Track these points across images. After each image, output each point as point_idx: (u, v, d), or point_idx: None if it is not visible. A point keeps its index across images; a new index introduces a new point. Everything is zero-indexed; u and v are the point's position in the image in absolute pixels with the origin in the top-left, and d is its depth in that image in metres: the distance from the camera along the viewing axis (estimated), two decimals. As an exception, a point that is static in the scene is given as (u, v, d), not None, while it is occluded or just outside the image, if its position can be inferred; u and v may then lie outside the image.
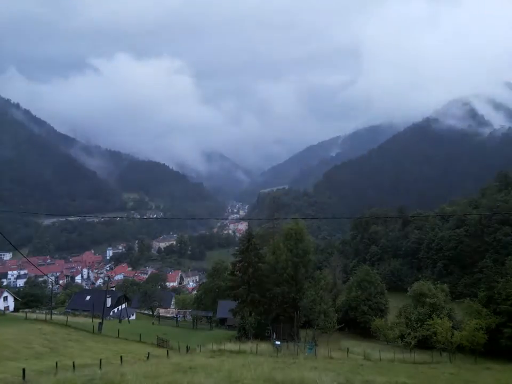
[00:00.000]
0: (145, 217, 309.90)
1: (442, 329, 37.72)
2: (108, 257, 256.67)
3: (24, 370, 16.19)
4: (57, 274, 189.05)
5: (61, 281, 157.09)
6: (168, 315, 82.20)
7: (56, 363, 19.61)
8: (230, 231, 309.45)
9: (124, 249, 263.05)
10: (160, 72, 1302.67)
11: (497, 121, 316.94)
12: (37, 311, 59.92)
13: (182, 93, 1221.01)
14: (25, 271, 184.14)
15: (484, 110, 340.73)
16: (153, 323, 67.76)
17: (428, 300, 49.33)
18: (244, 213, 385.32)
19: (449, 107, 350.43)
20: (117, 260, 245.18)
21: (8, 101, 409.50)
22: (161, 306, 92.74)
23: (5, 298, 64.84)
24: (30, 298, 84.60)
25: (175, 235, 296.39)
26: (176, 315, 77.45)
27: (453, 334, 37.13)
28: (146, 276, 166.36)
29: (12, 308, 65.39)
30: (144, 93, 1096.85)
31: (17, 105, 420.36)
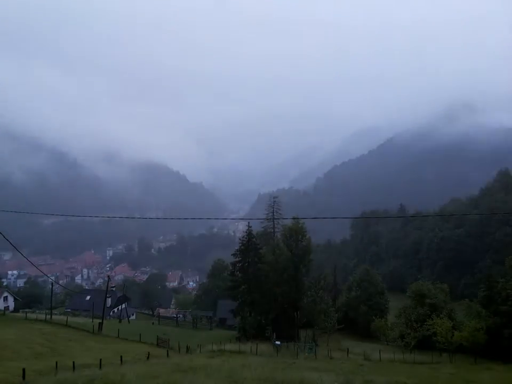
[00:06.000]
0: (145, 217, 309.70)
1: (442, 329, 37.66)
2: (108, 257, 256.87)
3: (24, 370, 16.19)
4: (57, 274, 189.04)
5: (61, 281, 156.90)
6: (168, 315, 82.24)
7: (56, 363, 19.61)
8: (230, 231, 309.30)
9: (124, 249, 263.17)
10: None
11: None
12: (37, 311, 59.87)
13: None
14: (25, 271, 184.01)
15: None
16: (153, 323, 67.72)
17: (427, 300, 49.29)
18: (244, 213, 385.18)
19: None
20: (117, 260, 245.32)
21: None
22: (161, 306, 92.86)
23: (5, 298, 64.79)
24: (30, 298, 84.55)
25: (175, 235, 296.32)
26: (176, 315, 77.43)
27: (453, 335, 37.07)
28: (146, 276, 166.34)
29: (12, 307, 65.33)
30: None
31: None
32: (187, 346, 40.24)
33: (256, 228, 74.11)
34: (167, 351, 35.28)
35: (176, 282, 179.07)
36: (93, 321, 48.43)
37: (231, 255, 58.21)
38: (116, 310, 75.06)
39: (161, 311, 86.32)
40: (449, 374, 28.20)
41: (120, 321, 61.73)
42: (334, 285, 74.14)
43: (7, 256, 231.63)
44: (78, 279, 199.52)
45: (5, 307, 59.96)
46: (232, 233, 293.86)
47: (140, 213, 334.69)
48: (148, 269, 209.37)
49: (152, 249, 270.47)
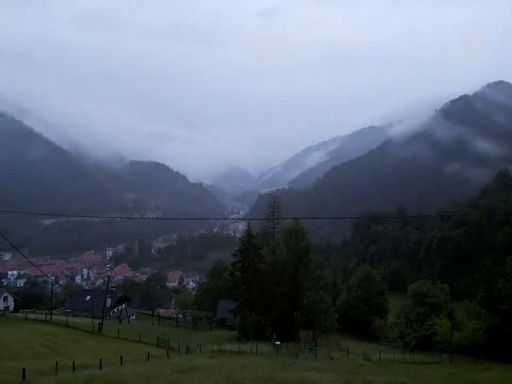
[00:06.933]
0: (145, 217, 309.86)
1: (442, 329, 37.70)
2: (108, 257, 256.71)
3: (24, 370, 16.20)
4: (57, 274, 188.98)
5: (61, 281, 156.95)
6: (168, 315, 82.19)
7: (56, 363, 19.62)
8: (230, 231, 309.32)
9: (123, 249, 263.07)
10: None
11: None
12: (37, 311, 59.84)
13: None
14: (25, 271, 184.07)
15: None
16: (153, 323, 67.72)
17: (427, 299, 49.30)
18: (244, 213, 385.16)
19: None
20: (117, 260, 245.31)
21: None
22: (161, 307, 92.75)
23: (5, 299, 64.79)
24: (30, 299, 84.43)
25: (175, 235, 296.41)
26: (176, 315, 77.40)
27: (452, 334, 37.10)
28: (146, 276, 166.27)
29: (12, 308, 65.33)
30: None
31: (17, 106, 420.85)
32: (187, 347, 40.26)
33: (256, 228, 74.24)
34: (167, 351, 35.31)
35: (176, 282, 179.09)
36: (93, 322, 48.42)
37: (231, 255, 58.21)
38: (115, 310, 75.06)
39: (161, 311, 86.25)
40: (449, 374, 28.22)
41: (120, 322, 61.71)
42: (334, 285, 74.17)
43: (7, 256, 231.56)
44: (78, 279, 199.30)
45: (5, 307, 59.94)
46: (232, 233, 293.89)
47: (140, 213, 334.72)
48: (148, 269, 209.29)
49: (152, 249, 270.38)
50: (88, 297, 73.13)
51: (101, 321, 46.76)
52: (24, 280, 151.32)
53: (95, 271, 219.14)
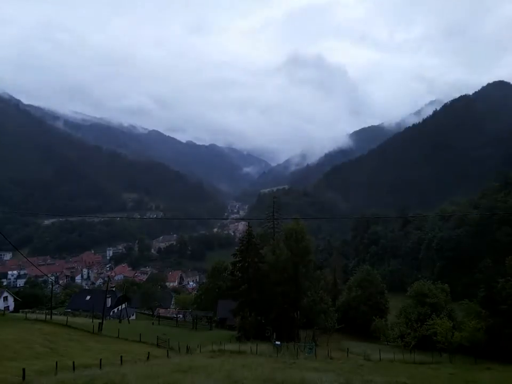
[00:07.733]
0: (145, 217, 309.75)
1: (442, 329, 37.71)
2: (108, 257, 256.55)
3: (24, 370, 16.22)
4: (57, 274, 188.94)
5: (61, 281, 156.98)
6: (168, 315, 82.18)
7: (56, 363, 19.62)
8: (230, 231, 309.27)
9: (124, 249, 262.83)
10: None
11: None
12: (37, 311, 59.82)
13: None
14: (25, 271, 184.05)
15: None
16: (153, 323, 67.73)
17: (428, 299, 49.28)
18: (244, 213, 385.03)
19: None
20: (117, 260, 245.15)
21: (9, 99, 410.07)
22: (161, 306, 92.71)
23: (5, 299, 64.88)
24: (30, 299, 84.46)
25: (175, 235, 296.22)
26: (176, 315, 77.41)
27: (453, 334, 37.11)
28: (146, 276, 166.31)
29: (11, 308, 65.39)
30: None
31: (18, 103, 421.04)
32: (187, 347, 40.26)
33: (256, 228, 74.26)
34: (167, 351, 35.32)
35: (176, 282, 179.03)
36: (93, 321, 48.37)
37: (231, 255, 58.20)
38: (115, 310, 75.05)
39: (161, 311, 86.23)
40: (449, 374, 28.25)
41: (120, 321, 61.70)
42: (334, 285, 74.19)
43: (7, 256, 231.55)
44: (78, 279, 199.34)
45: (5, 307, 60.02)
46: (232, 233, 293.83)
47: (140, 213, 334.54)
48: (148, 269, 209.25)
49: (152, 249, 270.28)
50: (88, 297, 73.15)
51: (101, 321, 46.74)
52: (24, 280, 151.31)
53: (95, 271, 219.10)
